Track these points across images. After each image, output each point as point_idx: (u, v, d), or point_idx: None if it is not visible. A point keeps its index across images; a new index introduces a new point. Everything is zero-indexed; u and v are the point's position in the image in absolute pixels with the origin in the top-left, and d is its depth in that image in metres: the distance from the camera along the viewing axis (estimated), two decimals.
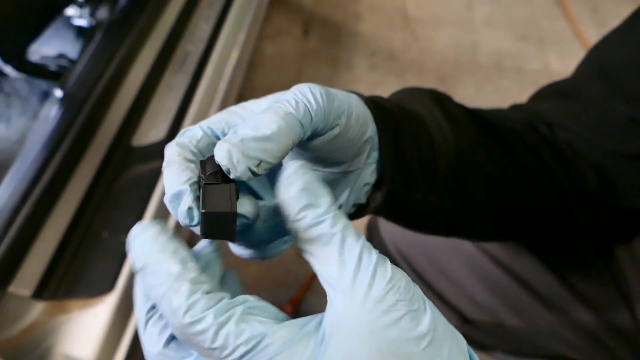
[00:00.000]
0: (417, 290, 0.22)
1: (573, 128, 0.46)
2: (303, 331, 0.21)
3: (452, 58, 1.52)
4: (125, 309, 0.61)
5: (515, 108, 0.51)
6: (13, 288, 0.59)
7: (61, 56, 1.02)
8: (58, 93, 0.83)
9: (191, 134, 0.27)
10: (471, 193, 0.41)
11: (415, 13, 1.64)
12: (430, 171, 0.37)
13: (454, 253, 0.60)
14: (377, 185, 0.34)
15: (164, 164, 0.26)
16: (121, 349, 0.59)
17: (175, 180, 0.24)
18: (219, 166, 0.24)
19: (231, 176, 0.23)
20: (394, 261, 0.61)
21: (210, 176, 0.24)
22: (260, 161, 0.23)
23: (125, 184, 0.72)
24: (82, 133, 0.73)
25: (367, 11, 1.63)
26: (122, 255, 0.64)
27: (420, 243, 0.62)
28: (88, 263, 0.63)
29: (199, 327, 0.21)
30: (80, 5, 0.97)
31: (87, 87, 0.78)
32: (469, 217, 0.43)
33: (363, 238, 0.23)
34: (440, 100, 0.41)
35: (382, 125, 0.33)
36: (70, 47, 1.03)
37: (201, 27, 0.97)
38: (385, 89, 1.39)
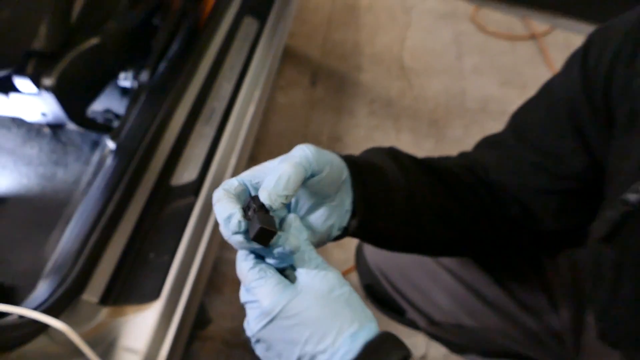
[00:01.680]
0: (341, 279, 0.41)
1: (499, 170, 0.63)
2: (290, 286, 0.40)
3: (442, 103, 1.72)
4: (168, 312, 0.79)
5: (462, 155, 0.69)
6: (86, 296, 0.77)
7: (108, 111, 1.23)
8: (111, 145, 1.03)
9: (230, 183, 0.45)
10: (421, 220, 0.58)
11: (411, 64, 1.84)
12: (389, 205, 0.54)
13: (421, 269, 0.77)
14: (353, 215, 0.52)
15: (215, 200, 0.43)
16: (166, 343, 0.77)
17: (227, 207, 0.42)
18: (262, 204, 0.41)
19: (271, 213, 0.41)
20: (374, 277, 0.79)
21: (260, 208, 0.42)
22: (287, 196, 0.42)
23: (166, 216, 0.91)
24: (133, 177, 0.93)
25: (368, 63, 1.84)
26: (165, 271, 0.82)
27: (394, 262, 0.79)
28: (139, 277, 0.82)
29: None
30: (125, 70, 1.19)
31: (135, 140, 0.98)
32: (422, 238, 0.61)
33: (321, 259, 0.42)
34: (395, 155, 0.59)
35: (353, 173, 0.50)
36: (115, 104, 1.24)
37: (224, 87, 1.18)
38: (383, 132, 1.59)
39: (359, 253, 0.84)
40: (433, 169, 0.61)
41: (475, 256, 0.73)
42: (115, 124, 1.13)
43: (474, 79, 1.80)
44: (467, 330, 0.77)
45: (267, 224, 0.40)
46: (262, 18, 1.39)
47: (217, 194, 0.44)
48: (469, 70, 1.82)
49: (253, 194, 0.44)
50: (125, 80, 1.22)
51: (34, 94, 0.93)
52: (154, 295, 0.79)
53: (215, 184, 0.99)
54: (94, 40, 0.98)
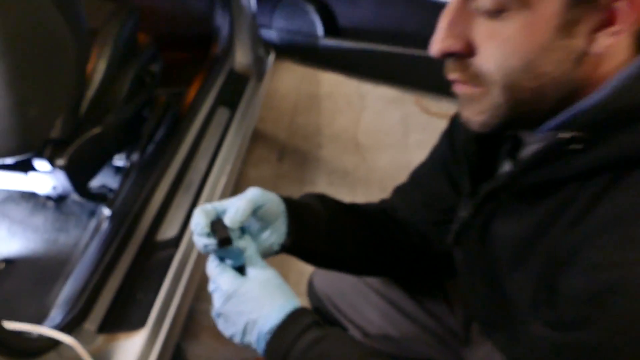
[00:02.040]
0: (276, 274, 0.64)
1: (402, 209, 0.87)
2: (241, 277, 0.63)
3: (391, 174, 1.99)
4: (152, 337, 0.99)
5: (381, 201, 0.92)
6: (87, 325, 0.97)
7: (103, 186, 1.47)
8: (107, 212, 1.27)
9: (206, 206, 0.68)
10: (342, 244, 0.82)
11: (364, 141, 2.15)
12: (314, 230, 0.77)
13: (356, 291, 0.98)
14: (289, 236, 0.75)
15: (194, 214, 0.66)
16: None
17: (200, 220, 0.64)
18: (225, 225, 0.64)
19: (230, 230, 0.64)
20: (321, 301, 1.00)
21: (224, 227, 0.64)
22: (241, 221, 0.65)
23: (152, 264, 1.12)
24: (125, 235, 1.15)
25: (327, 141, 2.14)
26: (150, 306, 1.03)
27: (336, 287, 1.00)
28: (129, 311, 1.02)
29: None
30: (120, 152, 1.45)
31: (127, 207, 1.22)
32: (341, 258, 0.83)
33: (264, 263, 0.65)
34: (321, 197, 0.83)
35: (288, 207, 0.74)
36: (110, 180, 1.49)
37: (201, 163, 1.44)
38: (340, 198, 1.84)
39: (310, 283, 1.07)
40: (353, 208, 0.85)
41: (390, 275, 0.96)
42: (110, 195, 1.37)
43: (418, 152, 2.09)
44: (393, 340, 0.98)
45: (227, 235, 0.63)
46: (233, 108, 1.69)
47: (196, 211, 0.67)
48: (413, 146, 2.13)
49: (220, 217, 0.67)
50: (119, 160, 1.48)
51: (49, 172, 1.18)
52: (141, 324, 0.99)
53: (191, 241, 1.21)
54: (96, 130, 1.24)
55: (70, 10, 1.07)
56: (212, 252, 0.66)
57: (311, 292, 1.05)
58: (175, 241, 1.18)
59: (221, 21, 1.81)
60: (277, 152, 2.09)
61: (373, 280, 0.98)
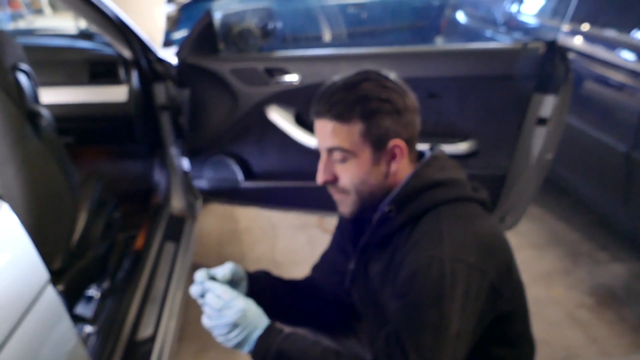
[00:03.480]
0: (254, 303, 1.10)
1: (318, 277, 1.35)
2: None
3: None
4: None
5: (305, 276, 1.42)
6: None
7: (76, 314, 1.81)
8: (92, 328, 1.62)
9: (201, 271, 1.12)
10: (280, 302, 1.28)
11: (280, 260, 2.65)
12: (263, 292, 1.23)
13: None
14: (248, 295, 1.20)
15: (197, 274, 1.10)
16: None
17: (202, 275, 1.08)
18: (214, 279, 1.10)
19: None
20: None
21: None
22: (225, 279, 1.10)
23: (137, 356, 1.48)
24: (112, 341, 1.51)
25: (251, 264, 2.62)
26: None
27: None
28: None
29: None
30: (93, 284, 1.82)
31: (110, 322, 1.58)
32: (283, 312, 1.29)
33: (242, 299, 1.10)
34: (267, 273, 1.31)
35: (247, 275, 1.21)
36: (81, 308, 1.83)
37: (160, 283, 1.85)
38: None
39: None
40: (288, 280, 1.32)
41: (315, 325, 1.42)
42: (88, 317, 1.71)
43: None
44: None
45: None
46: (177, 242, 2.15)
47: (198, 272, 1.11)
48: None
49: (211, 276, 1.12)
50: (90, 290, 1.84)
51: None
52: None
53: (163, 337, 1.59)
54: (82, 262, 1.64)
55: (69, 176, 1.55)
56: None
57: None
58: (152, 338, 1.56)
59: (159, 178, 2.35)
60: None
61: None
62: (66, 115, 1.98)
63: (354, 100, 1.01)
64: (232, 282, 1.12)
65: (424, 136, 1.76)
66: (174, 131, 2.20)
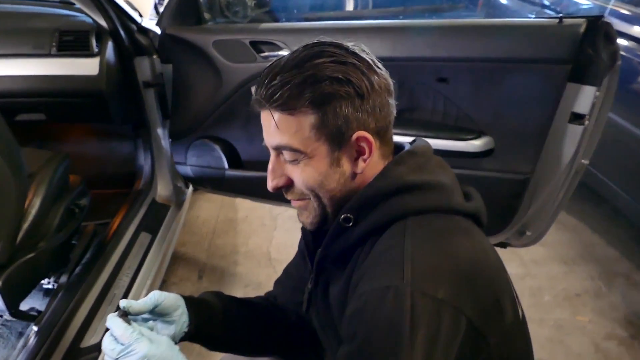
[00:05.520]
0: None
1: (280, 295, 1.13)
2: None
3: None
4: None
5: (267, 292, 1.19)
6: None
7: (32, 309, 1.63)
8: (35, 328, 1.43)
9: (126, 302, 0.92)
10: (235, 330, 1.05)
11: (276, 256, 2.43)
12: (211, 319, 1.01)
13: None
14: (190, 325, 0.98)
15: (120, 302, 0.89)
16: None
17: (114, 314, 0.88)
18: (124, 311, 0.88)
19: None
20: None
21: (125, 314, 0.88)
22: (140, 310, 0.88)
23: None
24: (50, 346, 1.32)
25: (243, 258, 2.41)
26: None
27: None
28: None
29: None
30: (49, 276, 1.64)
31: (54, 322, 1.39)
32: (239, 342, 1.07)
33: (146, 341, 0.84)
34: (217, 293, 1.08)
35: (186, 301, 0.98)
36: (38, 302, 1.65)
37: (124, 280, 1.65)
38: None
39: None
40: (244, 301, 1.09)
41: (279, 353, 1.19)
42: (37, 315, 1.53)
43: None
44: None
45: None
46: (154, 233, 1.94)
47: (120, 302, 0.89)
48: None
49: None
50: (48, 284, 1.66)
51: None
52: None
53: None
54: (30, 255, 1.45)
55: (12, 159, 1.35)
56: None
57: None
58: (99, 346, 1.36)
59: (143, 161, 2.14)
60: (198, 271, 2.31)
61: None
62: (33, 90, 1.80)
63: (300, 82, 0.75)
64: (160, 314, 0.90)
65: (427, 128, 1.52)
66: (160, 111, 1.98)
